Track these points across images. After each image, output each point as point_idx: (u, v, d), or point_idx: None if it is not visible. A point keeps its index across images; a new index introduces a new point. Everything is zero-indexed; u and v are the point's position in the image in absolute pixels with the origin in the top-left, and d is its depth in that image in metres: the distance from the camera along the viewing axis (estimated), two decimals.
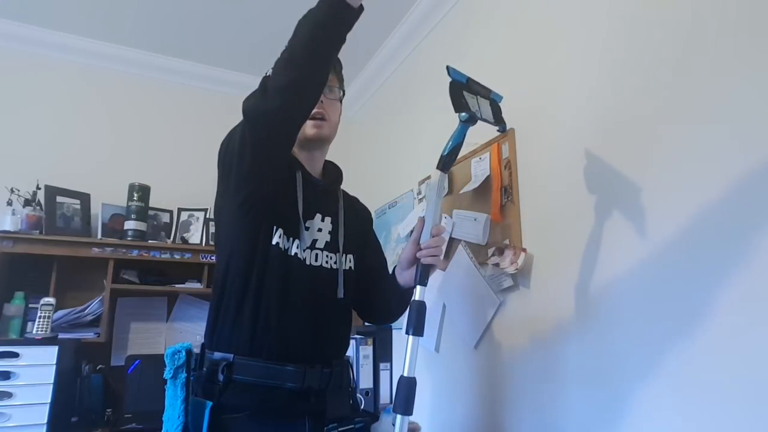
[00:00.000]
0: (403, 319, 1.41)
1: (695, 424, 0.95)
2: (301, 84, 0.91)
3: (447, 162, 1.14)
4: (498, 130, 1.21)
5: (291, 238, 1.07)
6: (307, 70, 0.90)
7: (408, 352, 1.02)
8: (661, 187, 1.07)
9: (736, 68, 0.95)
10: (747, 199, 0.91)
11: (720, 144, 0.96)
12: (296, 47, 0.89)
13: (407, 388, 0.99)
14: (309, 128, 1.11)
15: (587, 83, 1.31)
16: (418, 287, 1.06)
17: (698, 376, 0.95)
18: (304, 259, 1.09)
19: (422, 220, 1.11)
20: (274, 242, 1.05)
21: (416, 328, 1.03)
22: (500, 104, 1.33)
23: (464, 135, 1.13)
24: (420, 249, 1.08)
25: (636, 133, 1.15)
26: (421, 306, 1.04)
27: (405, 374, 1.00)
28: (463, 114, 1.11)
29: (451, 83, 1.14)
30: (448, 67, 1.14)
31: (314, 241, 1.11)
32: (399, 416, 0.98)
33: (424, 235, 1.09)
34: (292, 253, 1.06)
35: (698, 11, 1.04)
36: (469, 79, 1.19)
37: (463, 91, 1.15)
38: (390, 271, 1.25)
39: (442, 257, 1.09)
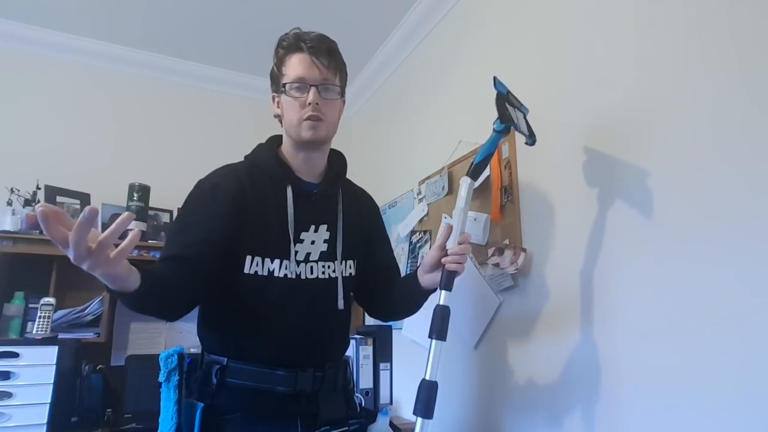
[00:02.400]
0: (404, 320, 1.40)
1: (697, 425, 0.95)
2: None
3: (477, 170, 1.14)
4: (527, 143, 1.22)
5: (275, 260, 1.04)
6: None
7: (431, 356, 1.01)
8: (663, 186, 1.07)
9: (739, 63, 0.95)
10: (747, 196, 0.91)
11: (718, 146, 0.96)
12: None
13: (428, 391, 0.99)
14: (305, 130, 1.05)
15: (587, 82, 1.31)
16: (443, 292, 1.05)
17: (701, 377, 0.95)
18: (299, 275, 1.06)
19: (449, 226, 1.10)
20: (248, 271, 1.03)
21: (440, 332, 1.02)
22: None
23: (497, 144, 1.14)
24: (445, 254, 1.06)
25: (636, 131, 1.15)
26: (445, 311, 1.03)
27: (427, 378, 1.01)
28: (501, 125, 1.11)
29: (497, 95, 1.16)
30: (494, 78, 1.16)
31: (308, 254, 1.08)
32: (419, 419, 0.99)
33: (450, 242, 1.08)
34: (278, 275, 1.04)
35: (699, 8, 1.04)
36: (509, 92, 1.21)
37: (505, 102, 1.16)
38: (402, 270, 1.23)
39: (465, 265, 1.08)
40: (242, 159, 1.15)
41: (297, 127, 1.06)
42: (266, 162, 1.11)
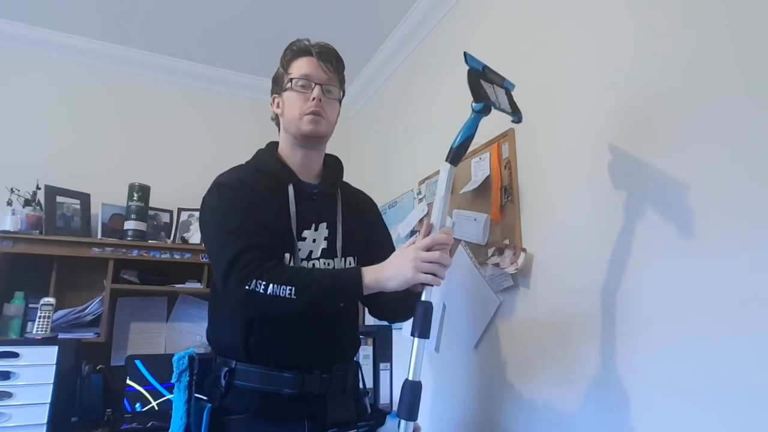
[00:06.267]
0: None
1: (699, 426, 0.95)
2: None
3: (457, 154, 1.06)
4: (513, 121, 1.13)
5: (285, 254, 1.06)
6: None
7: (413, 355, 0.96)
8: (664, 185, 1.07)
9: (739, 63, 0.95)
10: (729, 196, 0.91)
11: (725, 144, 0.96)
12: (303, 299, 0.96)
13: (412, 392, 0.94)
14: (306, 124, 1.11)
15: (587, 82, 1.31)
16: (425, 288, 1.01)
17: (702, 377, 0.95)
18: None
19: (429, 224, 1.07)
20: None
21: (422, 330, 0.97)
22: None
23: (477, 126, 1.05)
24: None
25: (636, 131, 1.15)
26: (428, 307, 0.99)
27: (410, 378, 0.95)
28: (479, 104, 1.02)
29: (468, 71, 1.06)
30: (465, 54, 1.07)
31: (310, 252, 1.11)
32: (403, 421, 0.94)
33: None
34: None
35: (698, 8, 1.04)
36: (485, 67, 1.11)
37: (480, 79, 1.07)
38: None
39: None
40: (243, 163, 1.19)
41: (298, 121, 1.12)
42: (269, 163, 1.15)
